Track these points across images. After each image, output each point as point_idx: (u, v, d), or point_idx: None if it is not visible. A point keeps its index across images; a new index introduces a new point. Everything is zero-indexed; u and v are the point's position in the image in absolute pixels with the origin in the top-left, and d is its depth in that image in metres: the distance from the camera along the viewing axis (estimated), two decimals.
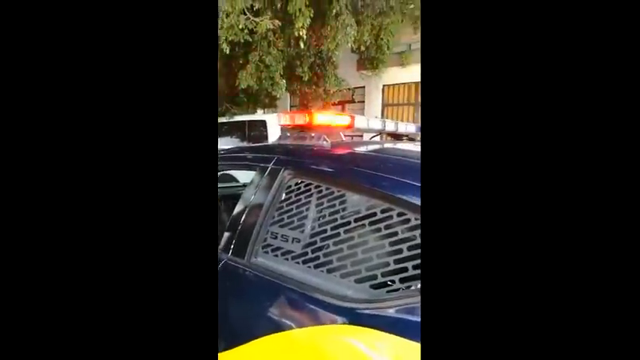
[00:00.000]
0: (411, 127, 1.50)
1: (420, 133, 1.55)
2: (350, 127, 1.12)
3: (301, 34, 3.49)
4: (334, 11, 3.76)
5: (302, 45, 3.78)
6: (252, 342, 0.78)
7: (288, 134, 1.16)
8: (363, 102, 7.08)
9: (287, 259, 0.84)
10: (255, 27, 3.38)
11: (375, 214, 0.75)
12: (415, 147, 1.14)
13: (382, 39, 4.99)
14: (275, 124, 4.70)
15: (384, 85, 6.75)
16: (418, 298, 0.64)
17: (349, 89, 6.03)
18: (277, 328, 0.76)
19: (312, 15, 3.44)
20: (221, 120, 4.47)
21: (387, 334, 0.63)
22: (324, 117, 1.05)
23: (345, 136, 1.13)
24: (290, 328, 0.75)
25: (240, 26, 3.29)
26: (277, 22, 3.43)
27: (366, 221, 0.76)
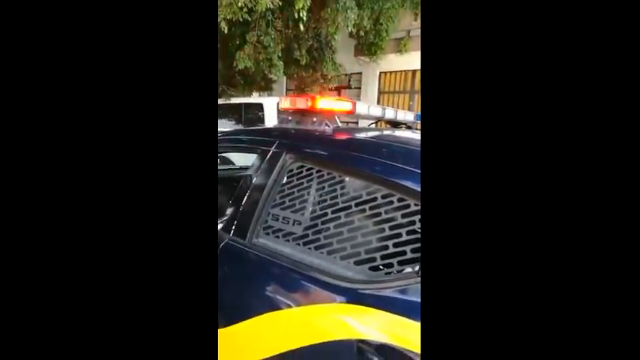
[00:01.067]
0: (410, 116, 1.51)
1: (417, 122, 1.56)
2: (351, 112, 1.13)
3: (301, 15, 3.40)
4: None
5: (301, 27, 3.70)
6: (250, 320, 0.81)
7: (290, 118, 1.16)
8: (360, 88, 7.03)
9: (288, 241, 0.86)
10: (254, 6, 3.28)
11: (375, 199, 0.78)
12: (415, 134, 1.16)
13: (381, 24, 4.91)
14: (271, 107, 4.64)
15: (380, 72, 6.70)
16: (415, 280, 0.67)
17: (346, 75, 5.96)
18: (277, 306, 0.79)
19: None
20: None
21: (383, 312, 0.66)
22: (326, 102, 1.05)
23: (340, 122, 1.14)
24: (289, 307, 0.78)
25: (240, 4, 3.19)
26: (277, 2, 3.34)
27: (367, 206, 0.78)
